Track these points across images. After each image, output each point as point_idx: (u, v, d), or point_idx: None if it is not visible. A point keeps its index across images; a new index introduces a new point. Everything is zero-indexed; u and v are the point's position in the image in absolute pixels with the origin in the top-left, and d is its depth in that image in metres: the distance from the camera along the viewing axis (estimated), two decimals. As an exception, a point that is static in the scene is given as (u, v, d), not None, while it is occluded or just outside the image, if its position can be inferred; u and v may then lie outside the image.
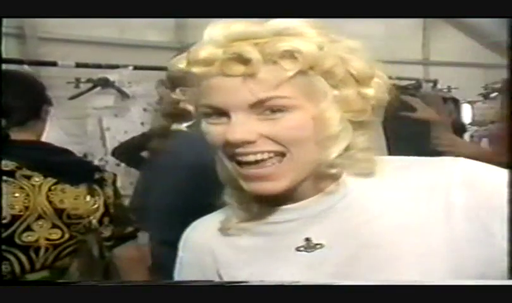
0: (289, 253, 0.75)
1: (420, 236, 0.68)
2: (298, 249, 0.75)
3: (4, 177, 1.27)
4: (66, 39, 4.30)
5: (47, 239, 1.30)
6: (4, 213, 1.24)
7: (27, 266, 1.27)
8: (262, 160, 0.69)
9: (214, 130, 0.71)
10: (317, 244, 0.74)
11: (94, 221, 1.38)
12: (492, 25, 5.76)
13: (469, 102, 5.29)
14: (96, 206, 1.41)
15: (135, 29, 4.61)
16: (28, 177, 1.32)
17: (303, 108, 0.69)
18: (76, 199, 1.37)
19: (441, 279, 0.65)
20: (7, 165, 1.31)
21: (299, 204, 0.76)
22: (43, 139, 1.55)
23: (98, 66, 3.18)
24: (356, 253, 0.71)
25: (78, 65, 2.92)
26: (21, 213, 1.28)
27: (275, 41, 0.67)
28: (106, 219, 1.43)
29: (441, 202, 0.69)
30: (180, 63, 0.74)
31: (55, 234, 1.31)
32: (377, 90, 0.72)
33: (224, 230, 0.81)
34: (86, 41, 4.34)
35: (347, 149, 0.73)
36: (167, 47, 5.12)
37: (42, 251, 1.29)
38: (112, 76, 3.27)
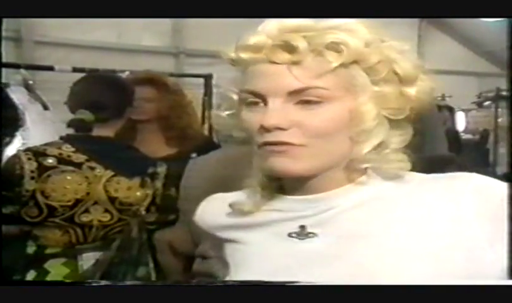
0: (279, 237, 0.76)
1: (427, 241, 0.69)
2: (289, 235, 0.75)
3: (73, 168, 1.57)
4: (63, 43, 4.31)
5: (99, 220, 1.59)
6: (69, 197, 1.54)
7: (81, 239, 1.58)
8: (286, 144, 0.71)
9: (251, 116, 0.73)
10: (310, 233, 0.74)
11: (141, 209, 1.63)
12: (485, 34, 5.80)
13: (463, 110, 5.34)
14: (145, 196, 1.65)
15: (132, 34, 4.63)
16: (93, 168, 1.59)
17: (341, 101, 0.70)
18: (129, 189, 1.63)
19: (424, 282, 0.65)
20: (77, 157, 1.58)
21: (310, 198, 0.76)
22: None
23: (95, 71, 3.19)
24: (346, 249, 0.71)
25: (75, 69, 2.92)
26: (83, 198, 1.56)
27: (324, 33, 0.69)
28: (153, 208, 1.67)
29: (450, 211, 0.70)
30: (230, 50, 0.76)
31: (106, 217, 1.59)
32: (419, 91, 0.74)
33: (235, 208, 0.82)
34: (82, 46, 4.34)
35: (382, 147, 0.73)
36: (164, 51, 5.14)
37: (94, 229, 1.59)
38: (108, 80, 3.27)
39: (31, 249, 1.58)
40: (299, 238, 0.75)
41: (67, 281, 1.52)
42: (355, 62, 0.70)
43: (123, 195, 1.61)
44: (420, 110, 0.76)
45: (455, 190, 0.71)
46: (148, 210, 1.65)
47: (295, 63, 0.69)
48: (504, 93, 4.73)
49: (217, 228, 0.85)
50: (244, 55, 0.73)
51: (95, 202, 1.58)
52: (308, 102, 0.70)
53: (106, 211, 1.59)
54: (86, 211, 1.57)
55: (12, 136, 2.79)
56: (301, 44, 0.68)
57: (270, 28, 0.72)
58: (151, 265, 1.63)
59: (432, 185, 0.74)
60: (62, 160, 1.56)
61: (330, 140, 0.71)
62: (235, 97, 0.78)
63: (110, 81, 1.78)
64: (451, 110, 4.91)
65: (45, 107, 2.85)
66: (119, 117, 1.70)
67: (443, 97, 4.91)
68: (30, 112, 2.91)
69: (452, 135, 3.90)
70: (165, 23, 4.87)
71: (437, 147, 1.91)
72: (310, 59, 0.69)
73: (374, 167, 0.74)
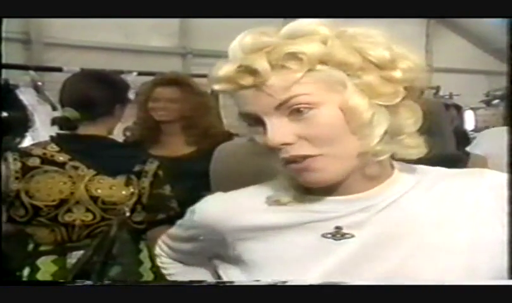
0: (312, 238, 0.75)
1: (446, 234, 0.72)
2: (324, 236, 0.75)
3: (56, 168, 1.57)
4: (71, 44, 4.33)
5: (82, 220, 1.58)
6: (53, 197, 1.55)
7: (66, 238, 1.58)
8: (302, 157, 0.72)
9: (257, 137, 0.74)
10: (347, 234, 0.74)
11: (125, 208, 1.60)
12: (494, 32, 5.77)
13: (471, 109, 5.31)
14: (129, 195, 1.62)
15: (139, 34, 4.64)
16: (76, 168, 1.59)
17: (329, 102, 0.70)
18: (112, 188, 1.60)
19: (458, 277, 0.68)
20: (60, 157, 1.58)
21: (345, 198, 0.76)
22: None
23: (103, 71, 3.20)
24: (384, 248, 0.72)
25: (83, 70, 2.94)
26: (68, 197, 1.57)
27: (280, 46, 0.69)
28: (139, 207, 1.64)
29: (470, 206, 0.73)
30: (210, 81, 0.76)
31: (88, 217, 1.58)
32: (405, 72, 0.72)
33: (273, 200, 0.80)
34: (91, 47, 4.37)
35: (396, 134, 0.73)
36: (171, 52, 5.15)
37: (77, 228, 1.59)
38: (116, 81, 3.28)
39: (30, 246, 1.59)
40: (335, 239, 0.75)
41: (53, 279, 1.52)
42: (323, 62, 0.70)
43: (106, 194, 1.59)
44: (415, 87, 0.75)
45: (472, 186, 0.75)
46: (134, 209, 1.62)
47: (261, 84, 0.69)
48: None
49: (240, 229, 0.81)
50: (218, 87, 0.73)
51: (78, 202, 1.57)
52: (299, 112, 0.70)
53: (88, 210, 1.58)
54: (69, 210, 1.57)
55: (22, 136, 2.82)
56: (260, 66, 0.69)
57: (235, 51, 0.72)
58: (147, 265, 1.61)
59: (453, 181, 0.76)
60: (45, 160, 1.56)
61: (339, 143, 0.71)
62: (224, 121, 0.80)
63: (99, 77, 1.74)
64: (459, 109, 4.88)
65: (54, 108, 2.88)
66: (109, 114, 1.67)
67: (450, 96, 4.88)
68: (39, 113, 2.94)
69: (461, 133, 3.88)
70: (173, 24, 4.88)
71: (446, 145, 1.91)
72: (275, 74, 0.69)
73: (395, 157, 0.75)
